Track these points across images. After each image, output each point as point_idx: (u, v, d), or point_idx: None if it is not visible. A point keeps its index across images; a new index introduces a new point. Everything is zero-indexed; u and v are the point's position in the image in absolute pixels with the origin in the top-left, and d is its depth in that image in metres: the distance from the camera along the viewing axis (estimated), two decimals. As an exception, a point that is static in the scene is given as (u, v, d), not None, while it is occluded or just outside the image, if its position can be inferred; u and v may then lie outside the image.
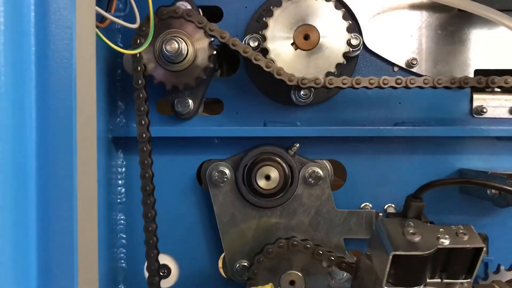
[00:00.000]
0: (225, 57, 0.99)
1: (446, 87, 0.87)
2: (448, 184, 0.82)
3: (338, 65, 0.88)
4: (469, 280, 0.68)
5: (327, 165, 0.96)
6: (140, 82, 0.85)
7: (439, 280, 0.68)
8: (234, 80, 0.96)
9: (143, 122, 0.85)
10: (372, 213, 0.95)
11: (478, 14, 0.80)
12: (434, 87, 0.87)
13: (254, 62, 0.86)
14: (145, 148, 0.85)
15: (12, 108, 0.43)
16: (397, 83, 0.87)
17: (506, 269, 0.96)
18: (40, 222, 0.45)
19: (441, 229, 0.67)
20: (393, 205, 0.97)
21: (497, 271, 0.96)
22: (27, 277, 0.46)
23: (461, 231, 0.66)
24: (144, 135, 0.86)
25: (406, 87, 0.87)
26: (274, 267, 0.92)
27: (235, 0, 0.94)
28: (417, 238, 0.65)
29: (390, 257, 0.63)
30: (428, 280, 0.68)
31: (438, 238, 0.65)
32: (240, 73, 0.96)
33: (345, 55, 0.88)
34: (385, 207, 0.97)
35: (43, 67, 0.45)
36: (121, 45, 0.93)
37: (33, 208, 0.45)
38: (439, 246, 0.64)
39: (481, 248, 0.65)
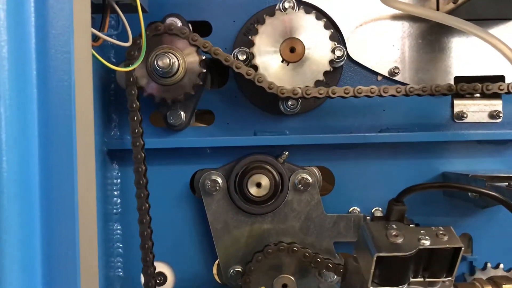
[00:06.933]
0: (215, 69, 1.02)
1: (431, 94, 0.91)
2: (427, 189, 0.86)
3: (325, 74, 0.91)
4: (450, 278, 0.71)
5: (316, 171, 0.99)
6: (134, 105, 0.88)
7: (422, 279, 0.71)
8: (224, 91, 0.98)
9: (137, 143, 0.88)
10: (360, 217, 0.97)
11: (453, 26, 0.84)
12: (418, 95, 0.91)
13: (258, 84, 0.89)
14: (140, 169, 0.88)
15: (17, 129, 0.46)
16: (384, 92, 0.90)
17: (481, 268, 1.00)
18: (45, 236, 0.48)
19: (422, 231, 0.69)
20: (380, 209, 0.99)
21: (484, 268, 1.00)
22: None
23: (441, 232, 0.69)
24: (139, 156, 0.88)
25: (393, 95, 0.90)
26: (266, 271, 0.95)
27: (223, 15, 0.97)
28: (399, 240, 0.68)
29: (374, 258, 0.66)
30: (411, 279, 0.70)
31: (419, 240, 0.68)
32: (230, 84, 0.98)
33: (330, 65, 0.91)
34: (372, 211, 0.99)
35: (44, 89, 0.48)
36: (114, 61, 0.95)
37: (37, 225, 0.48)
38: (420, 247, 0.67)
39: (460, 248, 0.68)
